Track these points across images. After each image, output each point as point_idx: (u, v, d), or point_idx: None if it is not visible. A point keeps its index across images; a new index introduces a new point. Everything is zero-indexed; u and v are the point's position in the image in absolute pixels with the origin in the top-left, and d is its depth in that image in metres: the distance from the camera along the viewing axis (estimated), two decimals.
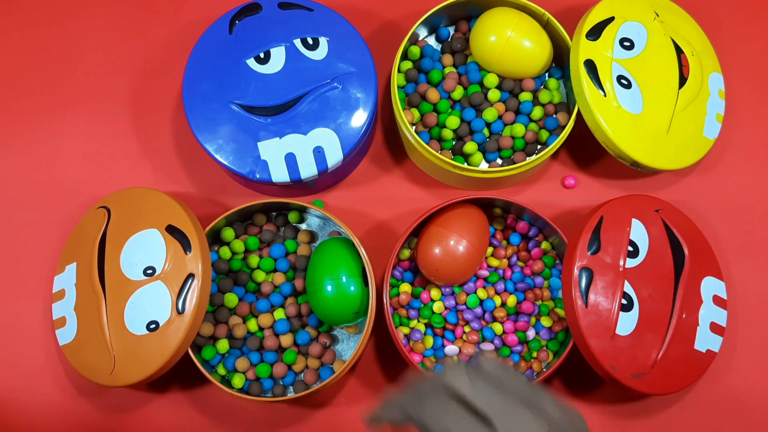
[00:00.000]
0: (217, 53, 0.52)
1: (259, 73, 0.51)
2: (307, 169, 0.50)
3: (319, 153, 0.50)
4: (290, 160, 0.50)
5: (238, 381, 0.50)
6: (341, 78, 0.51)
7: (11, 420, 0.53)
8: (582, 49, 0.51)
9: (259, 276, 0.52)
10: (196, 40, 0.53)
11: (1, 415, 0.53)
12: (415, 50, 0.55)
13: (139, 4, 0.61)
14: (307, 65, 0.51)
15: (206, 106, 0.51)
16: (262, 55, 0.52)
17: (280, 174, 0.50)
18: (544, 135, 0.55)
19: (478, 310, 0.52)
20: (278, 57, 0.52)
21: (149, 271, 0.48)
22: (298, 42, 0.52)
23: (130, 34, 0.60)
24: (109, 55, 0.60)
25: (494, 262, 0.53)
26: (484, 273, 0.52)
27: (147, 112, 0.59)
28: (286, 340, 0.51)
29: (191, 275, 0.47)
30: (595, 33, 0.51)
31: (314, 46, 0.52)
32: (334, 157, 0.50)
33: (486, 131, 0.55)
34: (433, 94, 0.54)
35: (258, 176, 0.50)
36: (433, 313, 0.52)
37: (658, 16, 0.54)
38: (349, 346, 0.53)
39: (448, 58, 0.56)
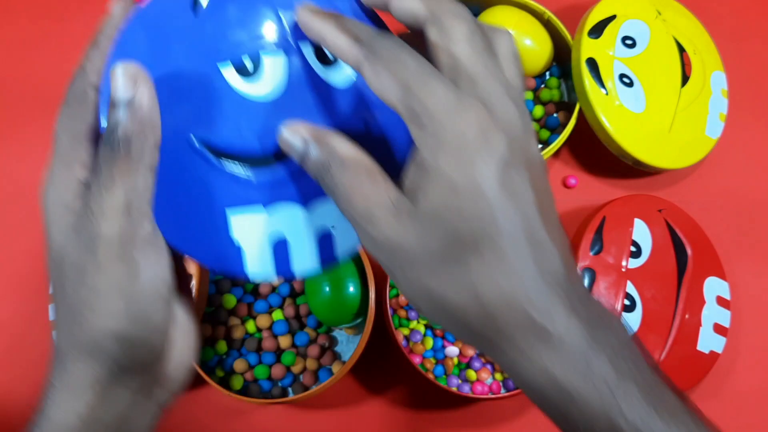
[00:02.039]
0: (169, 42, 0.27)
1: (240, 93, 0.28)
2: (305, 262, 0.29)
3: (326, 238, 0.29)
4: (280, 249, 0.28)
5: (236, 382, 0.50)
6: (373, 116, 0.29)
7: (10, 420, 0.53)
8: (584, 48, 0.50)
9: None
10: None
11: None
12: None
13: (137, 2, 0.61)
14: (319, 91, 0.29)
15: None
16: (247, 63, 0.28)
17: (260, 265, 0.28)
18: (545, 134, 0.54)
19: None
20: (274, 71, 0.28)
21: None
22: (308, 50, 0.28)
23: None
24: None
25: None
26: None
27: None
28: (285, 341, 0.50)
29: (189, 276, 0.46)
30: (597, 31, 0.51)
31: (334, 60, 0.29)
32: (348, 243, 0.29)
33: None
34: None
35: (222, 268, 0.28)
36: None
37: (660, 14, 0.54)
38: (349, 348, 0.52)
39: None
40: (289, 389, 0.51)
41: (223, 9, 0.28)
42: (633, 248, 0.48)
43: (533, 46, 0.52)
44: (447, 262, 0.22)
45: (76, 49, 0.61)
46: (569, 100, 0.55)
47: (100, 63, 0.26)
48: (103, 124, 0.25)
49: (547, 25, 0.54)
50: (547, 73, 0.56)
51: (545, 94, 0.54)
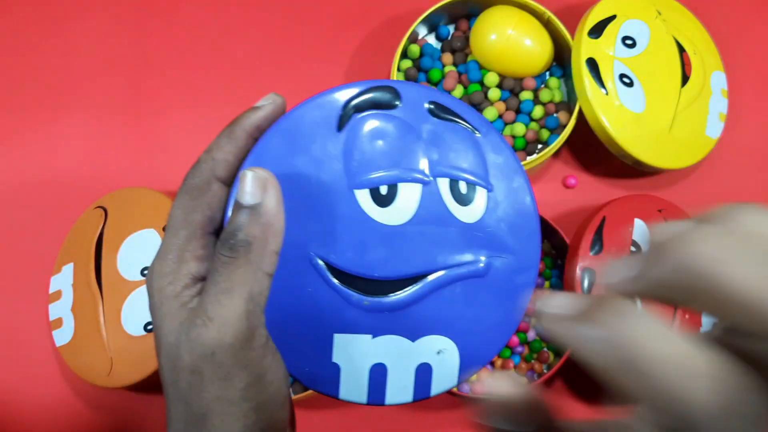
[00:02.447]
0: (306, 155, 0.27)
1: (372, 219, 0.28)
2: (398, 394, 0.29)
3: (424, 372, 0.29)
4: (377, 375, 0.28)
5: None
6: (494, 260, 0.29)
7: (8, 421, 0.53)
8: (584, 47, 0.50)
9: None
10: (197, 36, 0.52)
11: None
12: (415, 49, 0.55)
13: (138, 3, 0.61)
14: (448, 226, 0.29)
15: None
16: (383, 190, 0.28)
17: (352, 391, 0.28)
18: (545, 134, 0.54)
19: None
20: (408, 200, 0.28)
21: (146, 272, 0.47)
22: (444, 184, 0.28)
23: (129, 33, 0.60)
24: (107, 54, 0.60)
25: None
26: None
27: (145, 111, 0.58)
28: None
29: None
30: (597, 31, 0.51)
31: (467, 199, 0.29)
32: (445, 382, 0.29)
33: None
34: None
35: (314, 386, 0.28)
36: None
37: (660, 14, 0.54)
38: None
39: (448, 57, 0.55)
40: (290, 389, 0.51)
41: (367, 133, 0.28)
42: (633, 248, 0.48)
43: (533, 46, 0.52)
44: None
45: (74, 47, 0.61)
46: (569, 101, 0.55)
47: (230, 155, 0.25)
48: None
49: (547, 25, 0.54)
50: (547, 73, 0.56)
51: (545, 94, 0.54)
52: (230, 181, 0.25)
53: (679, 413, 0.13)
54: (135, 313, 0.47)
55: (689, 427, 0.13)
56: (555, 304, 0.16)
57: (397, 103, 0.28)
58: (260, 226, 0.22)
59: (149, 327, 0.46)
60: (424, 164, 0.28)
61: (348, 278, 0.27)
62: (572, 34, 0.52)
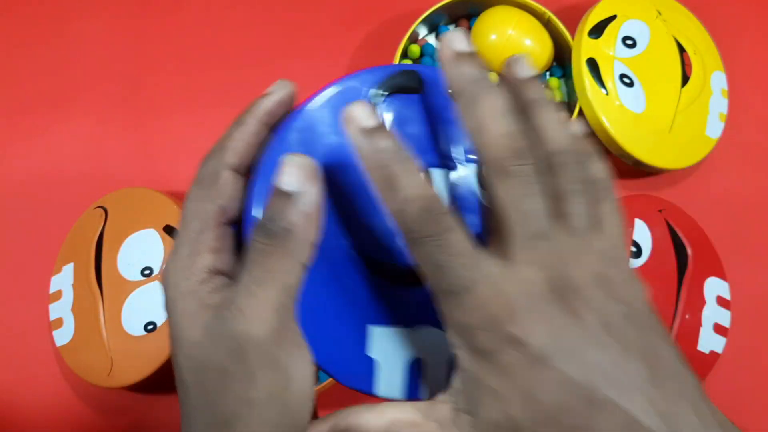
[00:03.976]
0: (335, 146, 0.26)
1: None
2: (436, 386, 0.26)
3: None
4: (414, 369, 0.26)
5: None
6: None
7: (8, 421, 0.53)
8: (584, 48, 0.50)
9: None
10: (197, 35, 0.52)
11: None
12: (415, 49, 0.55)
13: (139, 3, 0.61)
14: (479, 212, 0.27)
15: None
16: None
17: (391, 386, 0.26)
18: None
19: None
20: (438, 187, 0.27)
21: (146, 272, 0.47)
22: (474, 170, 0.27)
23: (129, 33, 0.60)
24: (107, 54, 0.60)
25: None
26: None
27: (145, 111, 0.58)
28: None
29: None
30: (597, 31, 0.51)
31: None
32: None
33: None
34: None
35: (349, 382, 0.26)
36: None
37: (660, 14, 0.54)
38: None
39: None
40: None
41: (394, 118, 0.26)
42: (633, 248, 0.48)
43: (533, 46, 0.52)
44: None
45: (74, 48, 0.61)
46: (569, 101, 0.55)
47: (241, 144, 0.24)
48: (255, 212, 0.24)
49: (548, 25, 0.54)
50: (547, 74, 0.56)
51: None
52: (243, 169, 0.24)
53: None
54: (135, 313, 0.47)
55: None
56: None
57: (421, 87, 0.27)
58: (301, 215, 0.21)
59: (149, 327, 0.46)
60: (454, 150, 0.27)
61: (382, 267, 0.26)
62: (572, 34, 0.52)
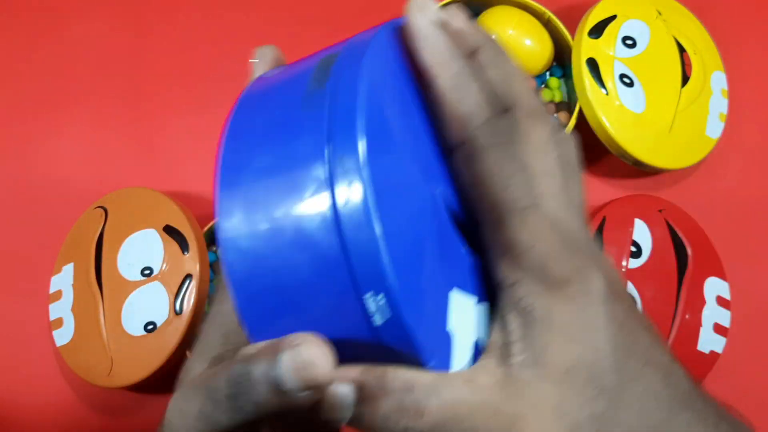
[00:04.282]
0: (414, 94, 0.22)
1: None
2: None
3: None
4: (476, 353, 0.21)
5: None
6: None
7: (8, 421, 0.53)
8: (584, 48, 0.50)
9: None
10: (197, 36, 0.52)
11: None
12: None
13: (139, 3, 0.61)
14: None
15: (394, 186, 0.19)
16: None
17: (458, 362, 0.20)
18: None
19: None
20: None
21: (146, 272, 0.47)
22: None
23: (129, 33, 0.60)
24: (107, 54, 0.60)
25: None
26: None
27: (145, 111, 0.58)
28: None
29: (189, 276, 0.46)
30: (597, 31, 0.51)
31: None
32: None
33: None
34: None
35: (429, 365, 0.19)
36: None
37: (660, 14, 0.54)
38: None
39: None
40: None
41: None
42: (633, 248, 0.48)
43: (533, 46, 0.52)
44: None
45: (74, 48, 0.61)
46: (569, 100, 0.55)
47: None
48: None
49: (547, 25, 0.54)
50: (547, 74, 0.56)
51: (545, 94, 0.54)
52: None
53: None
54: (135, 313, 0.47)
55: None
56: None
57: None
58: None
59: (149, 327, 0.46)
60: None
61: (472, 228, 0.22)
62: (572, 34, 0.52)
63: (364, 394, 0.18)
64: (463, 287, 0.21)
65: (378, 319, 0.18)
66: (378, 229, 0.17)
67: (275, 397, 0.17)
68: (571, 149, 0.21)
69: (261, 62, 0.24)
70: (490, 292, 0.22)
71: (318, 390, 0.17)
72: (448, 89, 0.20)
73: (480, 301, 0.21)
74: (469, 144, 0.20)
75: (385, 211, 0.18)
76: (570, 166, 0.21)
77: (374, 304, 0.18)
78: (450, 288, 0.20)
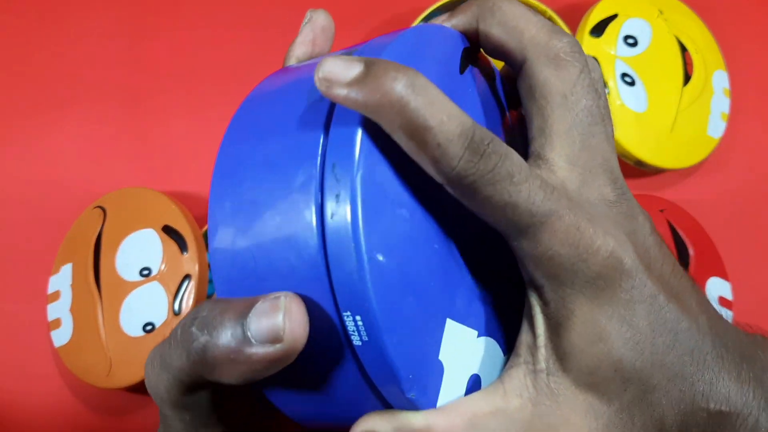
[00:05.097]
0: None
1: None
2: None
3: None
4: (472, 386, 0.20)
5: None
6: None
7: (6, 422, 0.53)
8: (585, 47, 0.50)
9: None
10: (197, 35, 0.52)
11: None
12: None
13: (138, 3, 0.61)
14: None
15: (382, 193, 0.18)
16: None
17: (449, 395, 0.19)
18: None
19: None
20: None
21: (145, 272, 0.47)
22: None
23: (129, 33, 0.60)
24: (107, 54, 0.59)
25: None
26: None
27: (144, 111, 0.58)
28: None
29: (188, 276, 0.46)
30: (598, 30, 0.51)
31: None
32: None
33: None
34: None
35: (409, 395, 0.18)
36: None
37: (662, 13, 0.54)
38: None
39: None
40: None
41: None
42: None
43: None
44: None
45: (73, 47, 0.61)
46: None
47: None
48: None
49: None
50: None
51: None
52: None
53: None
54: (134, 314, 0.47)
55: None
56: (328, 69, 0.17)
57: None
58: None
59: (148, 327, 0.46)
60: None
61: (469, 251, 0.21)
62: (574, 33, 0.52)
63: None
64: (463, 319, 0.20)
65: (356, 339, 0.17)
66: (363, 246, 0.17)
67: (235, 344, 0.17)
68: (590, 95, 0.20)
69: (309, 25, 0.23)
70: (506, 328, 0.21)
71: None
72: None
73: (482, 335, 0.20)
74: (458, 185, 0.18)
75: (374, 229, 0.17)
76: (594, 117, 0.20)
77: (352, 323, 0.17)
78: (446, 317, 0.19)
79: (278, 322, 0.17)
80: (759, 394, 0.19)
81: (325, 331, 0.18)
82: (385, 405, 0.19)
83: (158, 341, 0.45)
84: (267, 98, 0.21)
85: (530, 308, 0.19)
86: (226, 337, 0.17)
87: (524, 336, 0.20)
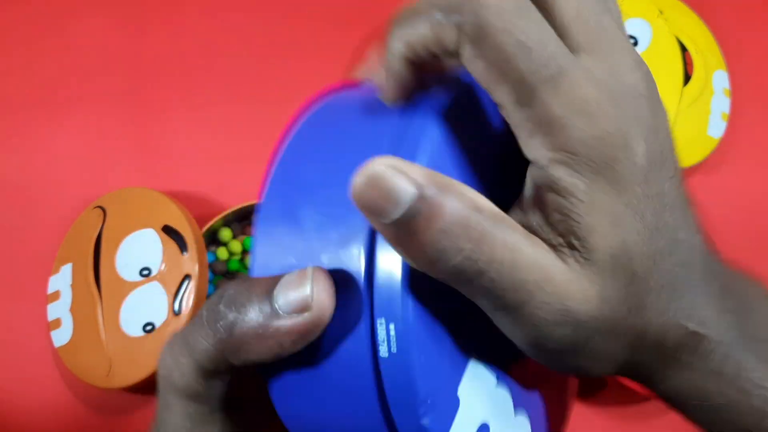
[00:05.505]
0: (476, 153, 0.20)
1: None
2: None
3: None
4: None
5: None
6: None
7: (6, 422, 0.53)
8: None
9: None
10: (197, 35, 0.52)
11: None
12: None
13: (138, 2, 0.60)
14: None
15: None
16: None
17: None
18: None
19: None
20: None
21: (145, 272, 0.47)
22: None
23: (129, 32, 0.60)
24: (106, 54, 0.59)
25: None
26: None
27: (144, 111, 0.58)
28: None
29: (188, 276, 0.46)
30: None
31: None
32: None
33: None
34: None
35: (423, 420, 0.18)
36: None
37: (662, 13, 0.54)
38: None
39: None
40: None
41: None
42: None
43: None
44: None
45: (73, 47, 0.61)
46: None
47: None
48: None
49: None
50: None
51: None
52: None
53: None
54: (134, 314, 0.47)
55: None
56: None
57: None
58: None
59: (148, 327, 0.46)
60: None
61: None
62: None
63: (422, 205, 0.16)
64: (485, 362, 0.20)
65: (383, 351, 0.17)
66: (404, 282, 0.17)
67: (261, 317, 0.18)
68: None
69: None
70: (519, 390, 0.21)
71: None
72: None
73: (500, 386, 0.20)
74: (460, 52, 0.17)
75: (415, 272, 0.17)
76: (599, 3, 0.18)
77: (384, 332, 0.17)
78: (471, 354, 0.19)
79: (306, 291, 0.17)
80: (734, 327, 0.19)
81: (352, 335, 0.18)
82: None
83: (158, 341, 0.45)
84: (333, 118, 0.22)
85: (539, 185, 0.18)
86: (254, 311, 0.18)
87: (531, 214, 0.18)
